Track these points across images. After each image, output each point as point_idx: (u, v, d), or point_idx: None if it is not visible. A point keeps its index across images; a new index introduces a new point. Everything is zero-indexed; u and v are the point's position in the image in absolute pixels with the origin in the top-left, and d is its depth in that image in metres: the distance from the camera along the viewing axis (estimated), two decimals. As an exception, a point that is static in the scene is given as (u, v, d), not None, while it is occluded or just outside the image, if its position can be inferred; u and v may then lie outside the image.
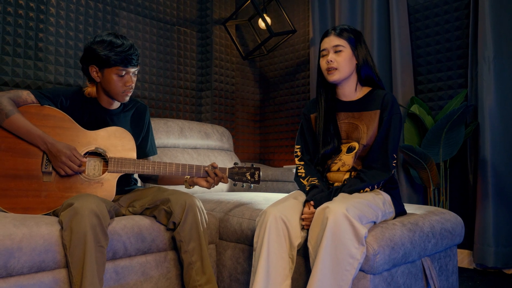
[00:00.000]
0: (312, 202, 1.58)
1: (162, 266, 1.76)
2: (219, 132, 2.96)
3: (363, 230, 1.39)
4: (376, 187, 1.66)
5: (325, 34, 1.74)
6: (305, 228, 1.58)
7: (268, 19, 3.45)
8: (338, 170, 1.73)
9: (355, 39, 1.70)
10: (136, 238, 1.67)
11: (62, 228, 1.49)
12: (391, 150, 1.64)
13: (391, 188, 1.72)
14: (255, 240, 1.57)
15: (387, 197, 1.66)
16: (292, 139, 3.73)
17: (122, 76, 1.75)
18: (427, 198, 2.73)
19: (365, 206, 1.50)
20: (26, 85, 2.62)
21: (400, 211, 1.71)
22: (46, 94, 1.75)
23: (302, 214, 1.59)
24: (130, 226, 1.67)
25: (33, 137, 1.64)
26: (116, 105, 1.89)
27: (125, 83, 1.76)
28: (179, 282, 1.80)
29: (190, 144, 2.74)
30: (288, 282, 1.50)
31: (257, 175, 1.89)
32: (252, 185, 1.90)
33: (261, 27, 3.60)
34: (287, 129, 3.77)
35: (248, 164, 1.93)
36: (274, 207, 1.57)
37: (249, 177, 1.88)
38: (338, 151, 1.74)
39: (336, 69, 1.68)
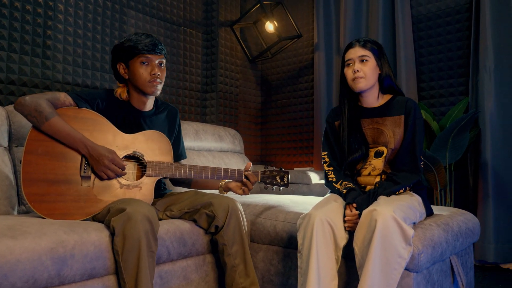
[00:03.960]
0: (354, 205, 1.63)
1: (201, 269, 1.77)
2: (231, 134, 2.97)
3: (410, 231, 1.46)
4: (408, 188, 1.74)
5: (350, 46, 1.81)
6: (347, 229, 1.63)
7: (271, 24, 3.49)
8: (369, 174, 1.80)
9: (378, 50, 1.79)
10: (178, 242, 1.68)
11: (111, 233, 1.48)
12: (419, 152, 1.74)
13: (420, 189, 1.80)
14: (299, 242, 1.61)
15: (419, 198, 1.74)
16: (294, 141, 3.79)
17: (146, 64, 1.75)
18: (431, 199, 2.86)
19: (407, 208, 1.58)
20: (33, 84, 2.54)
21: (429, 212, 1.80)
22: (83, 96, 1.72)
23: (344, 216, 1.65)
24: (172, 230, 1.67)
25: (73, 140, 1.61)
26: (149, 106, 1.88)
27: (150, 72, 1.75)
28: (217, 285, 1.82)
29: (205, 146, 2.74)
30: (335, 282, 1.55)
31: (286, 178, 1.93)
32: (281, 188, 1.93)
33: (268, 31, 3.64)
34: (289, 131, 3.82)
35: (277, 168, 1.96)
36: (318, 210, 1.61)
37: (279, 180, 1.92)
38: (366, 156, 1.81)
39: (363, 77, 1.75)
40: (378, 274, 1.44)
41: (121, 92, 1.82)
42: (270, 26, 3.54)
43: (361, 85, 1.75)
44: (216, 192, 1.90)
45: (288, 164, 3.76)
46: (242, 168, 2.78)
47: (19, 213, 1.89)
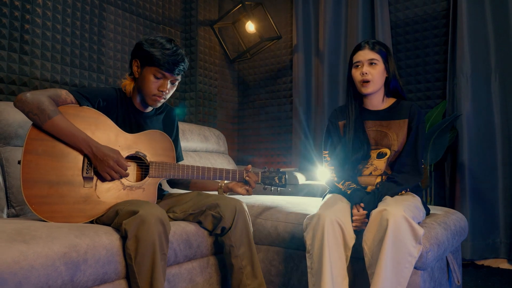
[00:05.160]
0: (362, 204, 1.66)
1: (205, 271, 1.74)
2: (216, 135, 2.94)
3: (420, 230, 1.50)
4: (408, 189, 1.80)
5: (359, 47, 1.82)
6: (354, 229, 1.66)
7: (252, 25, 3.50)
8: (370, 174, 1.84)
9: (386, 53, 1.82)
10: (184, 245, 1.64)
11: (122, 237, 1.42)
12: (420, 155, 1.79)
13: (417, 190, 1.87)
14: (308, 242, 1.62)
15: (419, 199, 1.81)
16: (272, 142, 3.80)
17: (158, 78, 1.69)
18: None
19: (414, 207, 1.63)
20: (10, 80, 2.39)
21: (427, 212, 1.87)
22: (85, 94, 1.64)
23: (351, 216, 1.67)
24: (179, 232, 1.63)
25: (76, 140, 1.54)
26: (149, 108, 1.83)
27: (159, 87, 1.70)
28: (220, 287, 1.79)
29: (191, 147, 2.69)
30: (346, 280, 1.58)
31: (284, 179, 1.94)
32: (279, 188, 1.94)
33: (248, 31, 3.64)
34: (267, 132, 3.83)
35: (275, 169, 1.97)
36: (327, 210, 1.62)
37: (277, 181, 1.92)
38: (368, 156, 1.84)
39: (370, 81, 1.78)
40: (390, 273, 1.47)
41: (127, 85, 1.76)
42: (250, 27, 3.54)
43: (369, 89, 1.78)
44: (215, 193, 1.88)
45: (266, 165, 3.77)
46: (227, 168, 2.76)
47: (8, 216, 1.77)
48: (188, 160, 2.56)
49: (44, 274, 1.18)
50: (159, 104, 1.76)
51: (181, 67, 1.71)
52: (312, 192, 2.67)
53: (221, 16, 3.47)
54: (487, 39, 2.77)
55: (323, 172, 2.86)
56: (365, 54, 1.78)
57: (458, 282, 1.86)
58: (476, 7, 2.80)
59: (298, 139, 3.52)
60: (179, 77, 1.75)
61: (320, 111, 3.41)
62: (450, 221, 1.86)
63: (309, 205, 2.08)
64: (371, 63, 1.77)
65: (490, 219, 2.75)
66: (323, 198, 1.92)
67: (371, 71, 1.77)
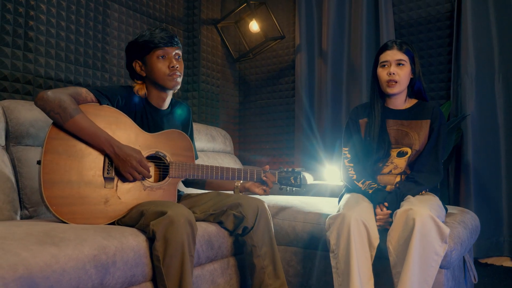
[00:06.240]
0: (386, 204, 1.66)
1: (226, 273, 1.72)
2: (222, 134, 2.92)
3: (447, 230, 1.50)
4: (427, 189, 1.80)
5: (386, 47, 1.81)
6: (378, 228, 1.65)
7: (256, 24, 3.48)
8: (390, 172, 1.83)
9: (413, 54, 1.81)
10: (206, 246, 1.62)
11: (149, 238, 1.39)
12: (441, 156, 1.79)
13: (436, 190, 1.88)
14: (332, 242, 1.61)
15: (438, 199, 1.81)
16: (274, 142, 3.79)
17: (163, 58, 1.68)
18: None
19: (437, 207, 1.63)
20: (15, 78, 2.32)
21: (446, 211, 1.87)
22: (104, 93, 1.61)
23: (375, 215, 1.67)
24: (201, 234, 1.60)
25: (98, 139, 1.50)
26: (166, 105, 1.80)
27: (169, 64, 1.68)
28: (240, 288, 1.78)
29: (198, 146, 2.66)
30: (372, 281, 1.57)
31: (299, 179, 1.92)
32: (294, 189, 1.93)
33: (251, 31, 3.61)
34: (269, 132, 3.82)
35: (290, 169, 1.95)
36: (351, 210, 1.61)
37: (293, 181, 1.91)
38: (388, 155, 1.84)
39: (397, 82, 1.77)
40: (417, 271, 1.47)
41: (139, 89, 1.73)
42: (254, 26, 3.51)
43: (394, 90, 1.77)
44: (230, 193, 1.85)
45: (269, 165, 3.75)
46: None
47: (22, 218, 1.72)
48: (197, 160, 2.53)
49: (76, 277, 1.15)
50: (179, 84, 1.73)
51: (176, 39, 1.72)
52: (321, 192, 2.67)
53: (225, 15, 3.45)
54: (491, 40, 2.80)
55: (330, 171, 2.87)
56: (394, 54, 1.76)
57: (475, 280, 1.87)
58: (480, 8, 2.83)
59: (301, 139, 3.51)
60: (179, 51, 1.73)
61: (323, 111, 3.41)
62: (467, 220, 1.87)
63: (324, 205, 2.07)
64: (399, 63, 1.76)
65: (494, 218, 2.78)
66: (340, 197, 1.91)
67: (399, 72, 1.76)
